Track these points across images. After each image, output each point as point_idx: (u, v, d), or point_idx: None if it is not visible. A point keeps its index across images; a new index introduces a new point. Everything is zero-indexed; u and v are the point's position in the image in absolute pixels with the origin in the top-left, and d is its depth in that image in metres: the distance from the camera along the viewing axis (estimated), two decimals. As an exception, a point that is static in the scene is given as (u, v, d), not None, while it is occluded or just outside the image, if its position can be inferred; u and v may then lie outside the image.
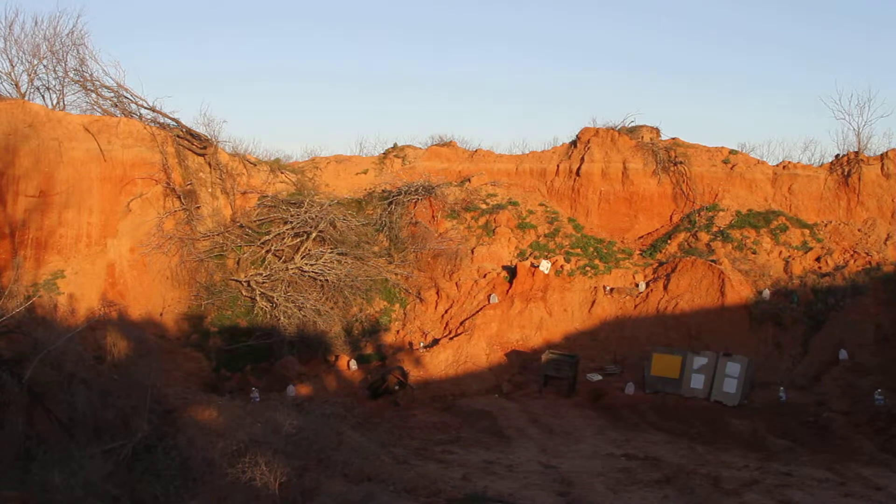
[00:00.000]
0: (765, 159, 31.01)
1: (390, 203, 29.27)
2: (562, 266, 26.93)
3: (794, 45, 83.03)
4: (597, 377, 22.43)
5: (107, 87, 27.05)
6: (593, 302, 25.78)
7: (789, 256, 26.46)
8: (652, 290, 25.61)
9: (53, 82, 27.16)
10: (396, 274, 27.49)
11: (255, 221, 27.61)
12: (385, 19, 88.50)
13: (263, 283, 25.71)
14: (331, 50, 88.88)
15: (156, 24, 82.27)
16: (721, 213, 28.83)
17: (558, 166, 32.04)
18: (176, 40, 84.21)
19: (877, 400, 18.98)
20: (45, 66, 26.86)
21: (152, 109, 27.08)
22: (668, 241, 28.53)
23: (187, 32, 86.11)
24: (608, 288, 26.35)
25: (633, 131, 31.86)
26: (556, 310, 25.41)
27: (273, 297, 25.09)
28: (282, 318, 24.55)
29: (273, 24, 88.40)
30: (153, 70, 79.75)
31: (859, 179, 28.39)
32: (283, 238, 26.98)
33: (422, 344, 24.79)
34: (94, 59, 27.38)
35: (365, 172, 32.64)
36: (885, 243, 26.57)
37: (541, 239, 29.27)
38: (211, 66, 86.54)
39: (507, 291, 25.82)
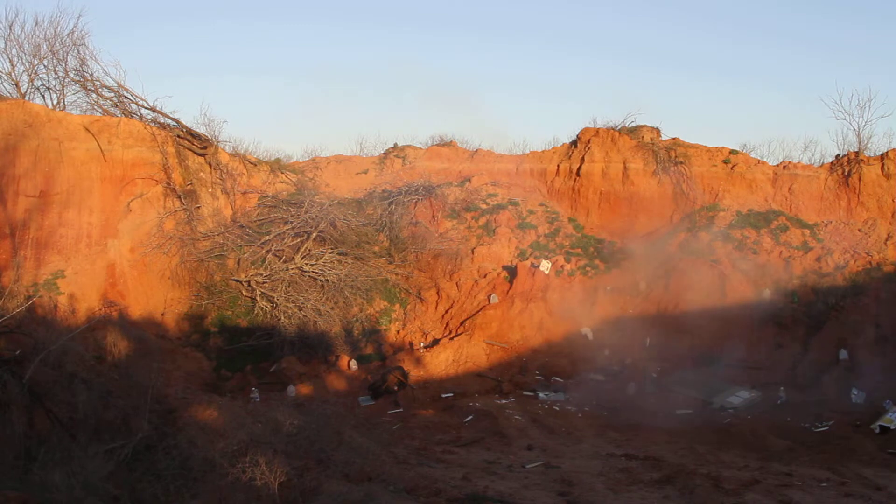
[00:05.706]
0: (765, 159, 31.05)
1: (390, 203, 29.26)
2: (562, 266, 26.92)
3: (794, 44, 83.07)
4: (598, 377, 22.43)
5: (107, 87, 27.08)
6: (593, 302, 25.76)
7: (789, 256, 26.44)
8: (652, 290, 25.59)
9: (54, 82, 27.23)
10: (397, 274, 27.49)
11: (255, 221, 27.61)
12: (384, 19, 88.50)
13: (264, 283, 25.71)
14: (330, 49, 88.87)
15: (155, 24, 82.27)
16: (721, 213, 28.80)
17: (558, 166, 32.03)
18: (175, 40, 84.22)
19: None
20: (45, 66, 26.93)
21: (152, 109, 27.11)
22: (669, 241, 28.51)
23: (186, 32, 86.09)
24: (608, 288, 26.33)
25: (633, 131, 31.83)
26: (556, 310, 25.40)
27: (273, 297, 25.09)
28: (282, 318, 24.56)
29: (273, 24, 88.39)
30: (153, 70, 79.77)
31: (859, 179, 28.36)
32: (284, 238, 26.98)
33: (422, 344, 24.78)
34: (95, 59, 27.52)
35: (365, 172, 32.66)
36: (885, 243, 26.54)
37: (541, 239, 29.26)
38: (210, 66, 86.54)
39: (508, 291, 25.81)
